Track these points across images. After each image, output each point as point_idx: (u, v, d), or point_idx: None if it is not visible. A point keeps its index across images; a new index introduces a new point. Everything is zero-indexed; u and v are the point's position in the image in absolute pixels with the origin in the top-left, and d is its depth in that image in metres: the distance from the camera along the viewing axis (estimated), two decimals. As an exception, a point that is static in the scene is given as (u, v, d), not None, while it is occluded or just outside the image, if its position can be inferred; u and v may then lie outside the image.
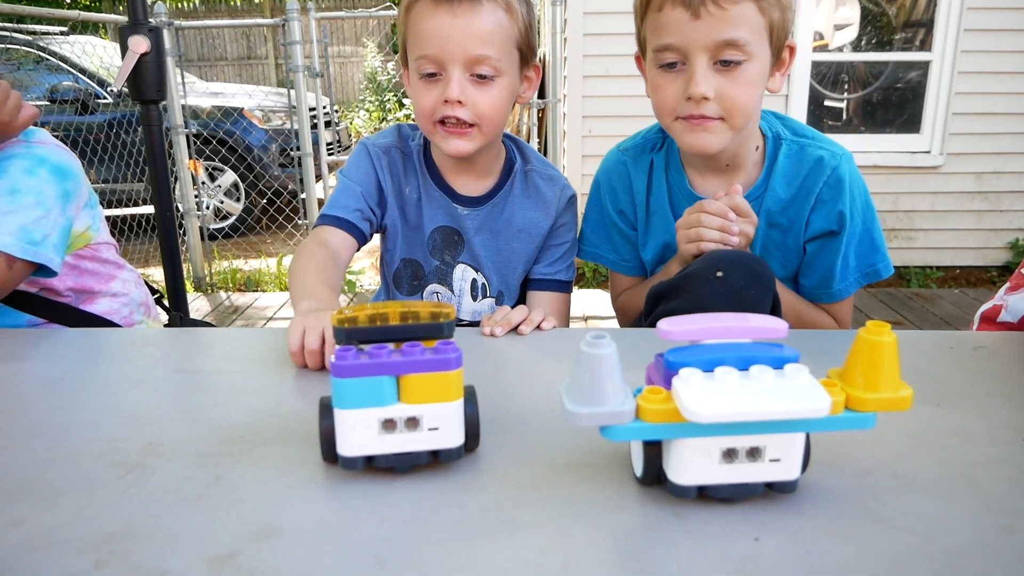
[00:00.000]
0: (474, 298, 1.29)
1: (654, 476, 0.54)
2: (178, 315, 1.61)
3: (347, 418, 0.55)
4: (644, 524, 0.52)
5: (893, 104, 4.68)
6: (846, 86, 4.87)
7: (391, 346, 0.56)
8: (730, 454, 0.51)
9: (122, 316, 1.37)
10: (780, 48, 1.09)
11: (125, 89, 1.79)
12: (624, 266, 1.34)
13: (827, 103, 4.88)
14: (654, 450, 0.53)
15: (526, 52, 1.15)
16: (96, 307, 1.33)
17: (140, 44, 1.70)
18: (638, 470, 0.55)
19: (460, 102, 1.08)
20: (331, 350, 0.76)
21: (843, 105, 4.90)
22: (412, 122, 1.28)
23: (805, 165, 1.16)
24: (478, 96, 1.10)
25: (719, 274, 0.94)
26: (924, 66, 4.37)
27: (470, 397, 0.59)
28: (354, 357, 0.54)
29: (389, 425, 0.55)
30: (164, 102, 4.29)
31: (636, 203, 1.28)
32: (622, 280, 1.37)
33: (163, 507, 0.54)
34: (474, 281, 1.28)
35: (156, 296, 1.56)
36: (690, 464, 0.51)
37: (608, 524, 0.52)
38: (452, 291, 1.29)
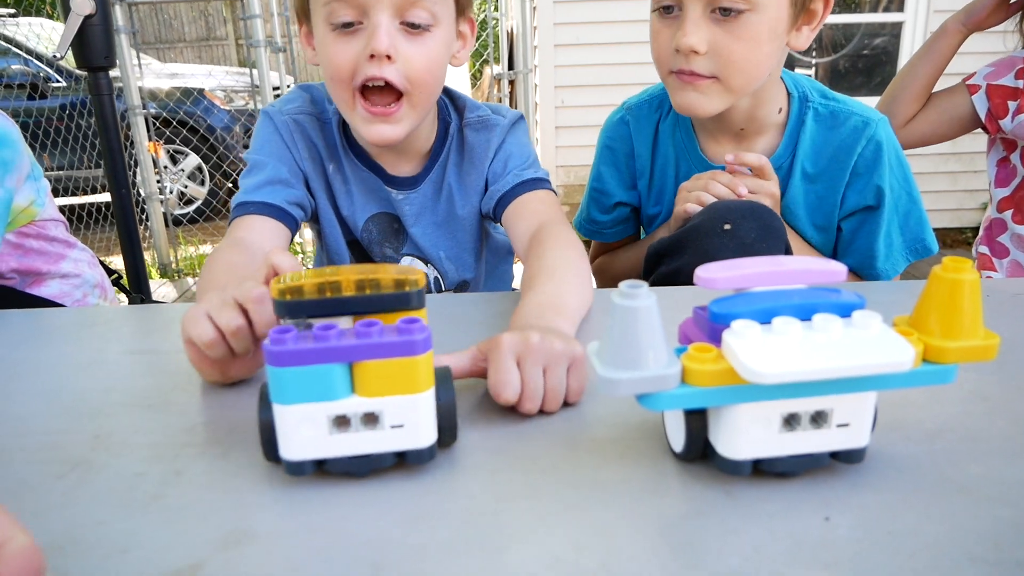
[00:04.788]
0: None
1: (699, 451, 0.46)
2: (139, 297, 1.50)
3: (289, 415, 0.44)
4: (692, 508, 0.43)
5: (865, 68, 4.64)
6: (814, 52, 4.82)
7: (341, 323, 0.46)
8: (791, 420, 0.43)
9: (74, 299, 1.26)
10: None
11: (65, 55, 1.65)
12: (602, 234, 1.24)
13: (798, 69, 4.83)
14: (699, 420, 0.45)
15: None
16: (44, 290, 1.22)
17: (84, 6, 1.56)
18: (678, 445, 0.47)
19: (389, 56, 0.84)
20: (263, 329, 0.58)
21: (812, 71, 4.85)
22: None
23: (837, 134, 1.03)
24: (411, 51, 0.85)
25: (727, 227, 0.86)
26: (897, 27, 4.33)
27: (443, 382, 0.48)
28: (295, 340, 0.43)
29: (342, 423, 0.45)
30: (115, 72, 4.11)
31: (639, 169, 1.16)
32: (594, 245, 1.29)
33: (111, 511, 0.45)
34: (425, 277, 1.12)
35: (114, 277, 1.44)
36: (745, 434, 0.43)
37: (650, 510, 0.43)
38: None
